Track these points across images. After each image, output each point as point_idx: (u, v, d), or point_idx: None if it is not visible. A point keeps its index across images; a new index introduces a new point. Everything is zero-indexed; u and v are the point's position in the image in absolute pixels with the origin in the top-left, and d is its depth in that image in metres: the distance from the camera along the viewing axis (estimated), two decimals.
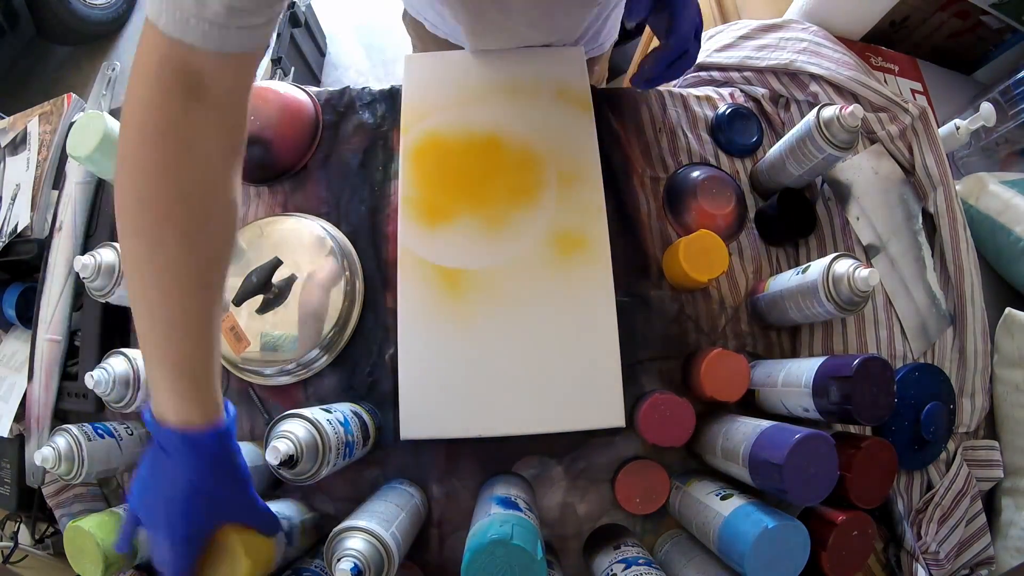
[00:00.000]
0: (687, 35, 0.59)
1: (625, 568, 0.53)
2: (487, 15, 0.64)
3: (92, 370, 0.56)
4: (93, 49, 2.24)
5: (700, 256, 0.65)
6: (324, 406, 0.58)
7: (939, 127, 0.77)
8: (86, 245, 0.75)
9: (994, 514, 0.68)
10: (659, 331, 0.69)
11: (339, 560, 0.47)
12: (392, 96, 0.78)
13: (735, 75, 0.82)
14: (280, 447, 0.48)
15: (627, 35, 1.90)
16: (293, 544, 0.56)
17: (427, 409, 0.61)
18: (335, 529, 0.49)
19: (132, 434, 0.65)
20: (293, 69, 1.81)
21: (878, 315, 0.69)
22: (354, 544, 0.48)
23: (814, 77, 0.75)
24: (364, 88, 0.80)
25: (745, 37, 0.84)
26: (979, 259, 0.72)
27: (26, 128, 0.86)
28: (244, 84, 0.45)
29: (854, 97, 0.75)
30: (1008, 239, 0.71)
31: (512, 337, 0.62)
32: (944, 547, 0.63)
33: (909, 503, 0.65)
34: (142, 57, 0.41)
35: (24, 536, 0.73)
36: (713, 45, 0.87)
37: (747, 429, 0.56)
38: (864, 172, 0.74)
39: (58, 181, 0.80)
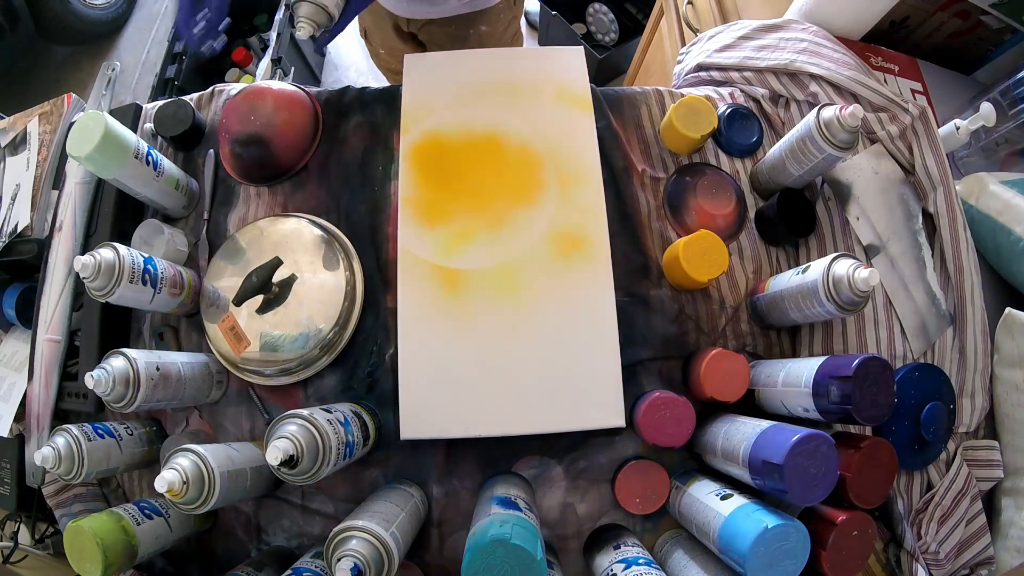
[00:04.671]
0: None
1: (625, 568, 0.53)
2: None
3: (92, 370, 0.55)
4: (93, 49, 2.24)
5: (700, 256, 0.65)
6: (324, 406, 0.58)
7: (939, 127, 0.76)
8: (86, 245, 0.75)
9: (994, 514, 0.68)
10: (659, 331, 0.69)
11: (339, 560, 0.47)
12: (392, 96, 0.78)
13: (735, 75, 0.82)
14: (280, 447, 0.48)
15: (627, 33, 1.90)
16: None
17: (427, 409, 0.61)
18: (335, 529, 0.49)
19: (132, 434, 0.65)
20: (293, 69, 1.81)
21: (878, 315, 0.69)
22: (354, 544, 0.48)
23: (814, 77, 0.75)
24: (364, 88, 0.80)
25: (745, 37, 0.84)
26: (979, 259, 0.72)
27: (26, 128, 0.86)
28: None
29: (854, 97, 0.75)
30: (1008, 239, 0.71)
31: (512, 337, 0.62)
32: (944, 547, 0.63)
33: (909, 503, 0.65)
34: None
35: (24, 536, 0.73)
36: (713, 45, 0.87)
37: (747, 429, 0.56)
38: (864, 172, 0.74)
39: (58, 181, 0.80)
